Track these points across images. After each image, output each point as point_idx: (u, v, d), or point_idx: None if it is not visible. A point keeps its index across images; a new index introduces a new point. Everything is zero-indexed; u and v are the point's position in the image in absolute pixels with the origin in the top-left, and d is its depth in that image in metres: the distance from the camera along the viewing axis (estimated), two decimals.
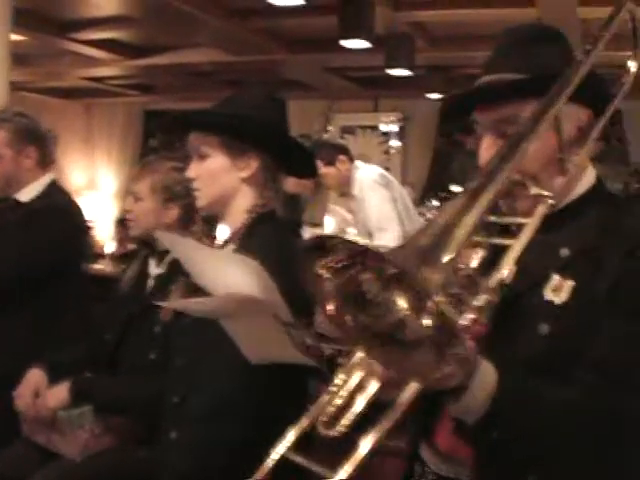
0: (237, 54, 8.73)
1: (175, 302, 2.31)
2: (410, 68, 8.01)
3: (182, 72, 10.11)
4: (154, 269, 3.39)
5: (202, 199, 2.70)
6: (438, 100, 9.08)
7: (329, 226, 8.18)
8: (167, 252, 3.28)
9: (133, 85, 11.59)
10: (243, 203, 2.67)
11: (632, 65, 1.90)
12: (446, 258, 1.37)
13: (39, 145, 3.87)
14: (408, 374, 1.46)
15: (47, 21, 8.10)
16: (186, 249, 2.22)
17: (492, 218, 1.57)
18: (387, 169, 10.93)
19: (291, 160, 2.74)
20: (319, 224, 7.60)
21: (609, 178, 10.10)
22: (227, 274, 1.95)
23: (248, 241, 2.55)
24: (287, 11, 6.41)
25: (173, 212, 3.35)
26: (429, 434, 1.91)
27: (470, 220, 1.45)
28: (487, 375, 1.58)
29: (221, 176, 2.66)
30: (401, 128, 11.33)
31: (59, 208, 3.82)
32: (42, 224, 3.67)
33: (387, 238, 6.18)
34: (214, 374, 2.49)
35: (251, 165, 2.64)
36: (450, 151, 10.65)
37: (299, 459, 1.50)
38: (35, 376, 3.22)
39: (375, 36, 6.98)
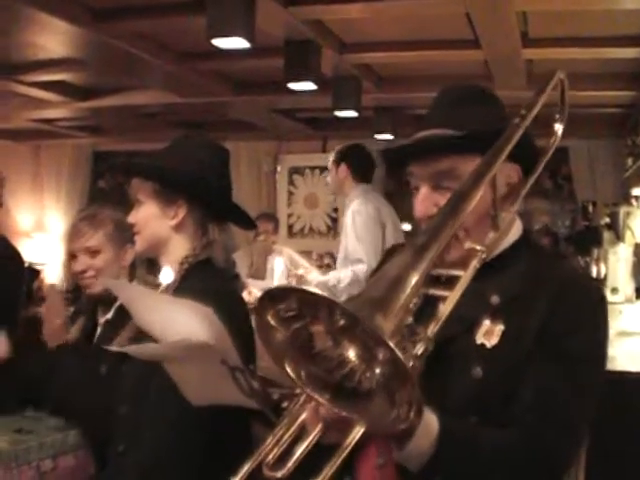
0: (185, 96, 8.75)
1: (127, 347, 2.26)
2: (357, 109, 8.07)
3: (130, 113, 10.11)
4: (102, 316, 3.39)
5: (138, 243, 2.78)
6: (385, 141, 9.18)
7: (278, 267, 8.20)
8: (116, 299, 3.30)
9: (82, 127, 11.55)
10: (175, 252, 2.72)
11: (559, 128, 2.02)
12: (396, 309, 1.42)
13: None
14: (358, 420, 1.49)
15: None
16: (133, 294, 2.23)
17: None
18: (335, 210, 11.04)
19: (223, 212, 2.80)
20: (260, 277, 7.61)
21: (558, 215, 10.24)
22: (177, 320, 1.96)
23: (182, 289, 2.59)
24: (234, 54, 6.44)
25: (130, 253, 3.37)
26: (351, 470, 1.95)
27: (417, 275, 1.51)
28: (430, 422, 1.62)
29: (152, 222, 2.72)
30: None
31: None
32: None
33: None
34: (155, 423, 2.51)
35: (179, 214, 2.69)
36: (400, 191, 10.73)
37: None
38: None
39: (322, 78, 7.03)
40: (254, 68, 7.80)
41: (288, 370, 1.52)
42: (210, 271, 2.74)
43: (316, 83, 6.85)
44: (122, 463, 2.59)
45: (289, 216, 11.40)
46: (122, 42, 6.69)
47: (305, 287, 1.47)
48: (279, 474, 1.53)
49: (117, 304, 3.30)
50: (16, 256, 3.90)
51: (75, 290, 3.55)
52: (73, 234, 3.45)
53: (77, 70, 8.27)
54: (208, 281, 2.64)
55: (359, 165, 6.48)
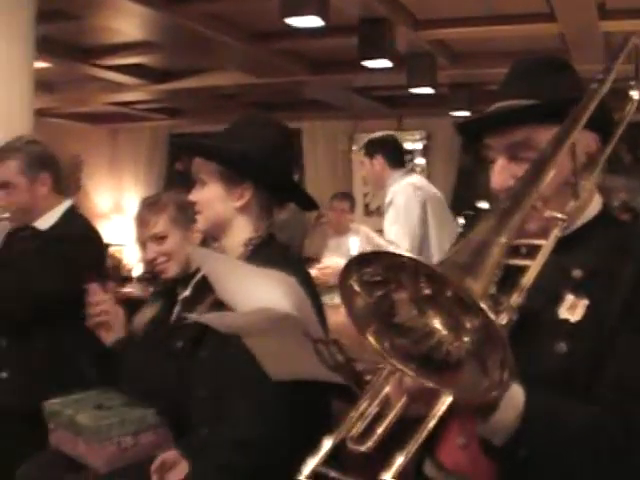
0: (260, 76, 8.78)
1: (206, 316, 2.27)
2: (432, 86, 8.02)
3: (206, 95, 10.16)
4: (180, 293, 3.41)
5: (201, 222, 2.78)
6: (461, 118, 9.10)
7: (354, 246, 8.19)
8: (193, 275, 3.32)
9: (158, 109, 11.67)
10: (239, 234, 2.72)
11: (634, 94, 1.97)
12: (483, 273, 1.41)
13: (53, 171, 3.84)
14: (446, 390, 1.47)
15: (71, 48, 8.17)
16: (218, 264, 2.22)
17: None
18: None
19: (288, 194, 2.80)
20: (316, 259, 7.60)
21: (637, 191, 10.07)
22: (260, 290, 1.95)
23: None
24: (308, 33, 6.43)
25: (198, 234, 3.38)
26: (432, 450, 1.93)
27: (502, 240, 1.50)
28: (516, 393, 1.60)
29: (216, 204, 2.72)
30: (425, 146, 11.35)
31: (76, 235, 3.79)
32: (59, 252, 3.62)
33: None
34: (236, 406, 2.52)
35: (245, 196, 2.69)
36: (475, 168, 10.65)
37: (333, 473, 1.52)
38: None
39: (397, 55, 6.99)
40: (329, 47, 7.78)
41: (372, 341, 1.51)
42: (276, 249, 2.75)
43: (391, 60, 6.82)
44: (204, 443, 2.62)
45: (365, 195, 11.38)
46: (197, 24, 6.73)
47: (393, 249, 1.45)
48: (363, 447, 1.52)
49: (194, 281, 3.32)
50: (97, 236, 3.93)
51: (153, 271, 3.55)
52: (138, 224, 3.47)
53: (153, 53, 8.34)
54: (276, 257, 2.63)
55: (393, 152, 6.41)
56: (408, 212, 6.01)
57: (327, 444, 1.54)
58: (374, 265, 1.44)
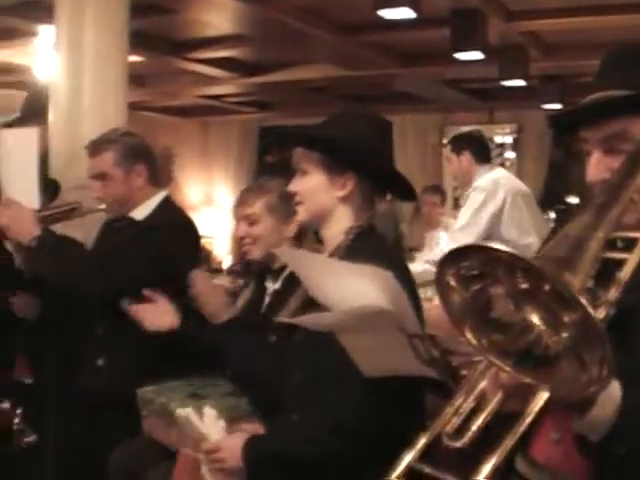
0: (351, 69, 8.77)
1: (300, 318, 2.22)
2: (524, 78, 7.93)
3: (297, 88, 10.20)
4: (271, 286, 3.42)
5: (302, 213, 2.76)
6: (553, 110, 8.97)
7: (443, 241, 8.14)
8: (283, 269, 3.33)
9: (249, 102, 11.74)
10: (339, 223, 2.70)
11: None
12: (581, 268, 1.38)
13: (148, 162, 3.86)
14: (544, 386, 1.46)
15: (163, 41, 8.27)
16: (306, 262, 2.20)
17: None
18: None
19: (389, 183, 2.78)
20: (416, 249, 7.57)
21: None
22: (354, 286, 1.93)
23: (353, 256, 2.55)
24: (399, 25, 6.40)
25: (294, 225, 3.38)
26: (525, 446, 1.89)
27: (600, 234, 1.48)
28: (613, 389, 1.56)
29: (319, 193, 2.70)
30: (515, 140, 11.23)
31: (172, 225, 3.80)
32: (155, 241, 3.64)
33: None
34: (331, 389, 2.51)
35: (347, 185, 2.67)
36: (567, 162, 10.51)
37: (428, 469, 1.51)
38: None
39: (488, 47, 6.93)
40: (420, 39, 7.74)
41: (469, 336, 1.49)
42: (377, 239, 2.72)
43: (483, 52, 6.75)
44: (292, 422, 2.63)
45: (455, 189, 11.29)
46: (288, 16, 6.75)
47: (490, 244, 1.43)
48: (459, 444, 1.51)
49: (285, 274, 3.33)
50: (192, 226, 3.96)
51: (243, 263, 3.57)
52: (238, 201, 3.50)
53: (244, 46, 8.40)
54: (377, 248, 2.62)
55: (479, 148, 6.34)
56: (480, 210, 5.97)
57: (422, 440, 1.53)
58: (470, 259, 1.42)
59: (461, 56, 6.91)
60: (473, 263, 1.42)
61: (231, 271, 11.08)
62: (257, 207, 3.39)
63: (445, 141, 10.85)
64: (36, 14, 6.80)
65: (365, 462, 2.33)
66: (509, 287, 1.43)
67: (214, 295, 3.40)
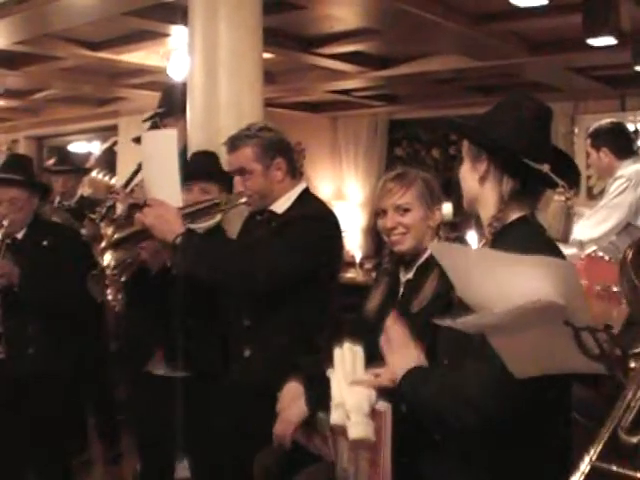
0: (479, 59, 8.70)
1: (461, 320, 2.15)
2: None
3: (425, 80, 10.16)
4: (403, 276, 3.44)
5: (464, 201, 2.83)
6: None
7: (576, 230, 8.01)
8: (416, 258, 3.36)
9: (378, 96, 11.75)
10: (487, 208, 2.72)
11: None
12: None
13: (287, 156, 3.97)
14: None
15: (293, 38, 8.36)
16: (463, 257, 2.18)
17: None
18: None
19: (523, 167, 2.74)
20: (563, 240, 7.43)
21: None
22: (519, 278, 1.88)
23: (501, 245, 2.54)
24: (530, 12, 6.33)
25: (439, 214, 3.41)
26: None
27: None
28: None
29: (466, 178, 2.77)
30: None
31: (315, 215, 3.91)
32: (299, 231, 3.73)
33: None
34: (474, 370, 2.51)
35: (482, 168, 2.71)
36: None
37: (615, 467, 1.50)
38: (293, 389, 3.33)
39: (621, 32, 6.79)
40: (550, 27, 7.63)
41: None
42: (527, 226, 2.71)
43: (616, 37, 6.62)
44: None
45: (588, 178, 11.10)
46: (417, 8, 6.74)
47: None
48: (635, 439, 1.49)
49: (418, 263, 3.35)
50: (332, 215, 4.03)
51: (386, 255, 3.58)
52: (384, 192, 3.49)
53: (372, 40, 8.43)
54: (527, 237, 2.62)
55: (619, 142, 6.19)
56: (620, 197, 5.87)
57: (602, 437, 1.52)
58: None
59: (594, 42, 6.78)
60: None
61: (363, 265, 11.13)
62: (408, 196, 3.40)
63: (576, 130, 10.70)
64: (169, 16, 6.97)
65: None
66: None
67: None
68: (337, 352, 3.03)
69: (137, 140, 5.95)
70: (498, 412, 2.41)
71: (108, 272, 3.85)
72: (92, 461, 6.37)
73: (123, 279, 3.94)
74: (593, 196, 11.03)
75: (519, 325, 1.95)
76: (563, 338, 1.81)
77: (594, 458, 1.50)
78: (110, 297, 3.99)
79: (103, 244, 3.91)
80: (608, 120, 6.48)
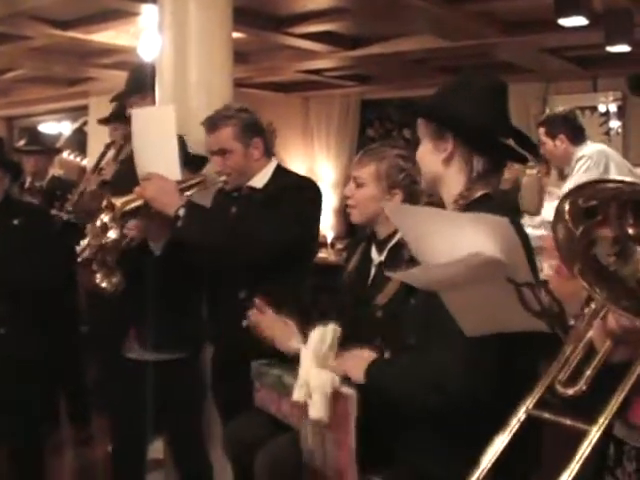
0: (451, 39, 8.70)
1: (406, 272, 2.29)
2: (630, 44, 7.76)
3: (397, 61, 10.14)
4: (377, 257, 3.44)
5: (422, 182, 2.83)
6: None
7: (548, 211, 8.04)
8: (388, 240, 3.36)
9: (349, 76, 11.72)
10: (451, 188, 2.73)
11: None
12: None
13: (263, 136, 4.10)
14: None
15: (264, 17, 8.32)
16: (416, 217, 2.21)
17: None
18: None
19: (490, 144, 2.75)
20: (534, 213, 7.49)
21: None
22: (464, 234, 1.94)
23: None
24: None
25: (397, 197, 3.40)
26: (623, 412, 1.87)
27: None
28: None
29: (427, 159, 2.77)
30: (619, 107, 10.99)
31: (296, 185, 4.06)
32: (288, 201, 3.86)
33: None
34: (441, 355, 2.53)
35: (447, 149, 2.70)
36: None
37: (547, 415, 1.56)
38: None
39: (592, 12, 6.81)
40: (522, 7, 7.64)
41: (580, 278, 1.50)
42: (490, 204, 2.70)
43: (587, 18, 6.64)
44: None
45: None
46: None
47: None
48: (571, 391, 1.54)
49: (390, 245, 3.36)
50: (311, 183, 4.21)
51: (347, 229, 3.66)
52: (355, 160, 3.60)
53: (344, 19, 8.40)
54: (494, 212, 2.63)
55: (575, 129, 6.26)
56: (585, 175, 5.93)
57: (537, 388, 1.58)
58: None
59: (565, 22, 6.81)
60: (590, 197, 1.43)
61: (334, 245, 11.13)
62: (365, 171, 3.43)
63: (548, 110, 10.71)
64: None
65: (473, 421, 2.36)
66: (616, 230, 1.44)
67: None
68: (318, 330, 3.04)
69: (104, 121, 5.95)
70: (467, 390, 2.43)
71: (89, 254, 3.87)
72: (63, 443, 6.33)
73: (110, 259, 3.92)
74: (565, 177, 11.06)
75: (463, 280, 2.01)
76: (508, 295, 1.87)
77: (530, 407, 1.57)
78: (101, 282, 3.96)
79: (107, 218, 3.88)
80: (560, 108, 6.56)
